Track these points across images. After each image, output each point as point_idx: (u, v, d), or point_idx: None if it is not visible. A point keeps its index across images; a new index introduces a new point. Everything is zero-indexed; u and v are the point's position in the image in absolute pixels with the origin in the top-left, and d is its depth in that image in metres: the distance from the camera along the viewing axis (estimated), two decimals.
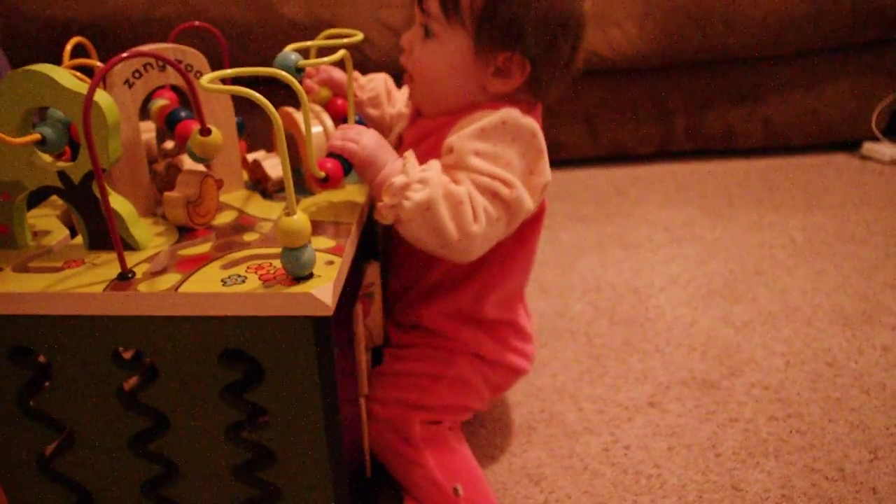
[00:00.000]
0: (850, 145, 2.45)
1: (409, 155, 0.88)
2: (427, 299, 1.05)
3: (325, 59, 0.84)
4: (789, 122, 2.39)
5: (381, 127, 1.14)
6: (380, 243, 1.09)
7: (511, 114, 0.89)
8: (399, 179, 0.84)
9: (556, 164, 2.29)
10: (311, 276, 0.73)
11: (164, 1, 2.03)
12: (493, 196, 0.87)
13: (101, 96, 0.73)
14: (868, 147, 2.40)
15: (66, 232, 0.87)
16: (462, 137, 0.88)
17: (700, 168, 2.35)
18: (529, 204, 0.89)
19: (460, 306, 1.05)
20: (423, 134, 0.95)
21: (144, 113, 0.92)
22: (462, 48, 0.94)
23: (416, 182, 0.84)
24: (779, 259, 1.73)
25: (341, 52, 0.86)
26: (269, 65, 2.01)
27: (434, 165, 0.87)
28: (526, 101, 0.98)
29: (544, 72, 0.94)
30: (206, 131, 0.81)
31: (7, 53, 1.41)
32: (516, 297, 1.11)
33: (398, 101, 1.15)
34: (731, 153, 2.44)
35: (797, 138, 2.42)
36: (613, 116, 2.33)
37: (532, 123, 0.90)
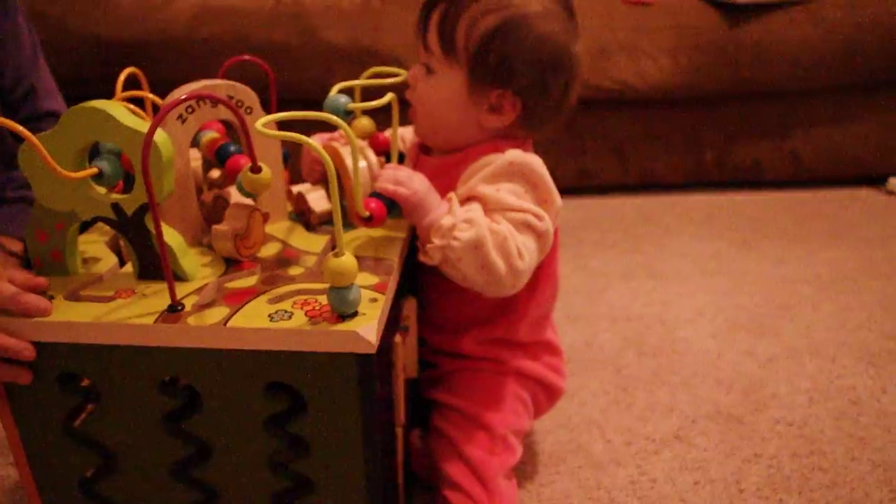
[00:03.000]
0: (875, 180, 2.46)
1: (453, 197, 0.92)
2: (464, 331, 1.08)
3: (373, 102, 0.86)
4: (817, 156, 2.40)
5: None
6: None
7: (515, 154, 0.95)
8: (447, 220, 0.88)
9: (586, 191, 2.34)
10: (356, 313, 0.75)
11: (206, 22, 2.06)
12: (528, 229, 0.91)
13: (156, 133, 0.75)
14: (894, 182, 2.40)
15: (115, 260, 0.90)
16: (481, 185, 0.94)
17: (728, 199, 2.36)
18: (552, 237, 0.95)
19: (495, 334, 1.08)
20: (431, 174, 0.97)
21: (193, 143, 0.94)
22: (457, 85, 0.97)
23: (463, 222, 0.87)
24: (804, 294, 1.74)
25: (389, 96, 0.88)
26: (310, 87, 2.05)
27: (476, 207, 0.91)
28: (522, 137, 1.03)
29: (535, 110, 0.99)
30: (256, 169, 0.84)
31: (52, 68, 1.44)
32: (546, 317, 1.14)
33: (406, 139, 1.19)
34: (758, 185, 2.45)
35: (824, 172, 2.43)
36: (643, 146, 2.35)
37: (534, 158, 0.96)
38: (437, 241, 0.88)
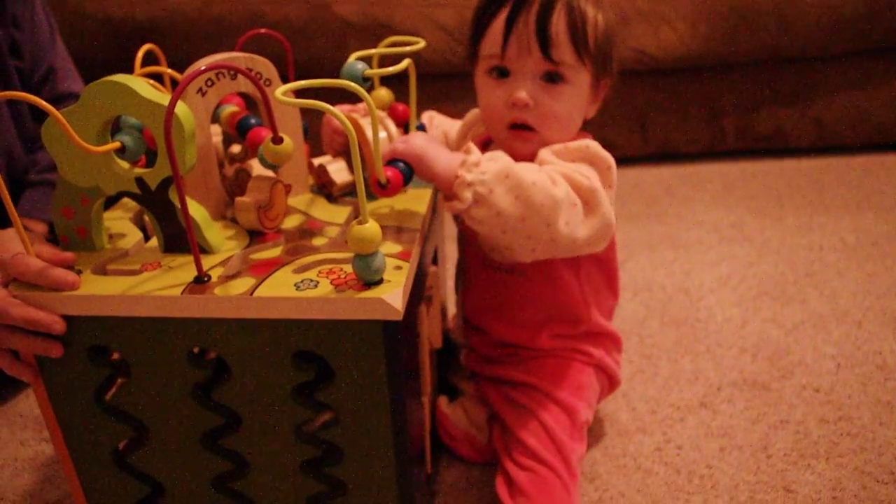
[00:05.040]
0: None
1: (471, 145, 0.91)
2: (540, 328, 1.10)
3: (390, 68, 0.86)
4: (840, 123, 2.37)
5: None
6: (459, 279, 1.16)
7: (593, 143, 0.96)
8: (473, 157, 0.88)
9: None
10: (381, 281, 0.75)
11: (218, 0, 2.06)
12: (571, 181, 0.91)
13: (178, 106, 0.76)
14: None
15: (140, 235, 0.90)
16: (547, 150, 0.96)
17: (750, 168, 2.34)
18: (607, 205, 0.93)
19: (574, 329, 1.11)
20: None
21: (213, 117, 0.94)
22: (586, 84, 1.00)
23: (488, 159, 0.88)
24: (829, 261, 1.73)
25: (406, 62, 0.88)
26: (324, 63, 2.04)
27: (500, 151, 0.92)
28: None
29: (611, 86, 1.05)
30: (278, 140, 0.84)
31: (67, 50, 1.45)
32: (612, 310, 1.17)
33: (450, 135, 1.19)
34: (781, 153, 2.42)
35: (848, 139, 2.40)
36: (664, 116, 2.33)
37: (610, 157, 0.96)
38: (466, 176, 0.87)
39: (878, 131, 2.39)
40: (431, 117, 1.20)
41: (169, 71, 1.00)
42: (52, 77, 1.35)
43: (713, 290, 1.62)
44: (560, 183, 0.89)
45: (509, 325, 1.12)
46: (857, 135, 2.39)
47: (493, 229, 0.90)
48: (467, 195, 0.87)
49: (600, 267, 1.10)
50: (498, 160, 0.88)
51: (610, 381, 1.16)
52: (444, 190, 0.91)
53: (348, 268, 0.78)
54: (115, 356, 0.85)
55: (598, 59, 0.99)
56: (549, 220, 0.88)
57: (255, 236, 0.88)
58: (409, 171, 0.90)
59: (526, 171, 0.87)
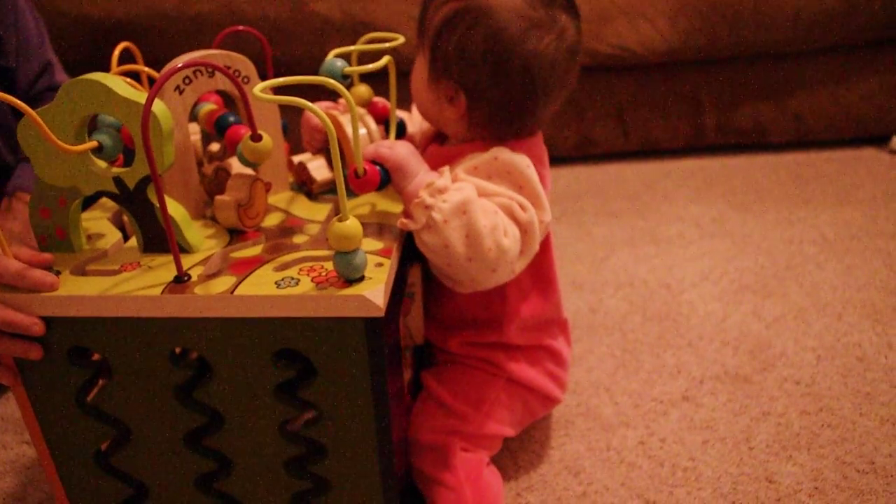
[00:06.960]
0: (879, 140, 2.44)
1: (446, 169, 0.89)
2: (452, 330, 1.08)
3: (370, 66, 0.86)
4: (819, 117, 2.38)
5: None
6: None
7: (501, 152, 0.92)
8: (441, 182, 0.85)
9: (587, 159, 2.33)
10: (362, 278, 0.75)
11: None
12: (511, 216, 0.88)
13: (155, 104, 0.75)
14: None
15: (119, 235, 0.90)
16: (462, 173, 0.91)
17: (730, 163, 2.35)
18: (538, 233, 0.91)
19: (484, 339, 1.06)
20: (433, 163, 0.93)
21: (191, 116, 0.94)
22: (423, 71, 0.96)
23: (454, 189, 0.85)
24: (809, 254, 1.74)
25: (385, 59, 0.88)
26: (304, 62, 2.04)
27: (467, 184, 0.89)
28: (525, 134, 1.00)
29: (478, 108, 0.95)
30: (256, 137, 0.83)
31: None
32: (549, 324, 1.12)
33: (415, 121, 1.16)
34: (760, 148, 2.44)
35: (827, 133, 2.41)
36: (644, 111, 2.33)
37: (522, 157, 0.92)
38: (426, 199, 0.83)
39: (857, 125, 2.40)
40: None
41: (146, 69, 1.00)
42: (51, 69, 1.36)
43: (695, 284, 1.63)
44: (510, 232, 0.86)
45: (429, 320, 1.10)
46: (835, 129, 2.41)
47: (439, 259, 0.87)
48: (422, 218, 0.84)
49: (534, 279, 1.06)
50: (463, 191, 0.84)
51: (540, 398, 1.11)
52: (405, 205, 0.89)
53: (329, 265, 0.78)
54: (96, 357, 0.85)
55: (434, 51, 0.94)
56: (494, 266, 0.87)
57: (235, 235, 0.88)
58: (386, 175, 0.88)
59: (482, 214, 0.84)
